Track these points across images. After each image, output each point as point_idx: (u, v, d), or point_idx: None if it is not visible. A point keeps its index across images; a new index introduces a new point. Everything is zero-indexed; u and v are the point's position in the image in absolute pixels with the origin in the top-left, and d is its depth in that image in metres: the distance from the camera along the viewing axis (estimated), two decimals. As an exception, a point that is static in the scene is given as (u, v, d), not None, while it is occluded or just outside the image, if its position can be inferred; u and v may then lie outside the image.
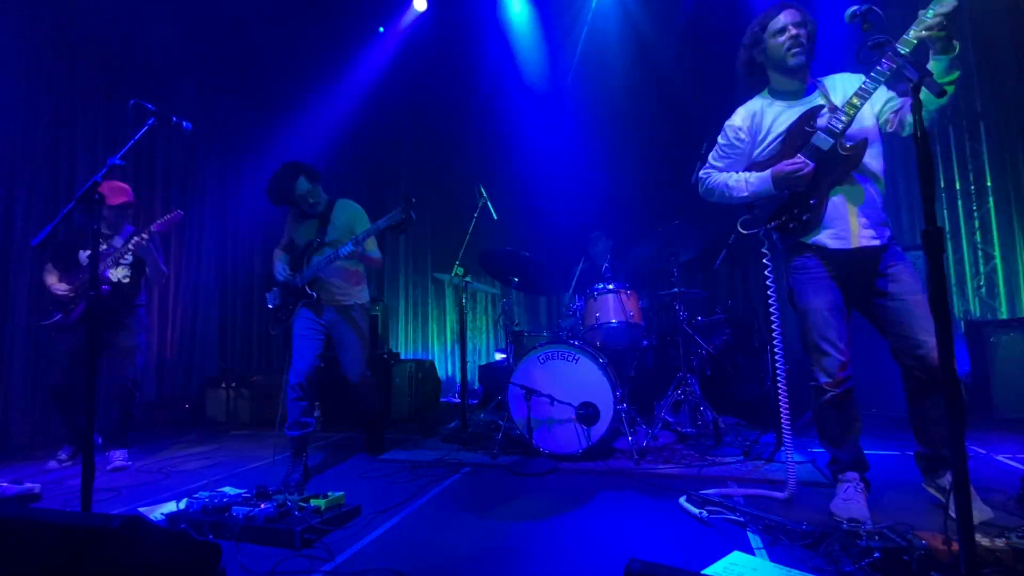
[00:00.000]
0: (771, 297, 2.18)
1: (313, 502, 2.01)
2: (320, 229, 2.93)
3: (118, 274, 3.11)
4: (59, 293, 3.07)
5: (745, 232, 2.10)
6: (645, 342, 3.37)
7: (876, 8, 1.57)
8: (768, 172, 2.01)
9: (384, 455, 3.14)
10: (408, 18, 5.83)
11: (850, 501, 1.93)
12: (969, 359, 3.87)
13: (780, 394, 2.09)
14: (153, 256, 3.17)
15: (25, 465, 3.07)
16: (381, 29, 6.06)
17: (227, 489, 2.37)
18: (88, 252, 3.10)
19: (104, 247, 3.11)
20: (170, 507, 2.14)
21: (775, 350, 2.12)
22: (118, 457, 3.06)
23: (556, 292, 4.08)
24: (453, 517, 2.08)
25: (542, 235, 5.67)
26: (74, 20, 4.24)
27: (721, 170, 2.20)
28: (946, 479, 1.94)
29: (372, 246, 2.91)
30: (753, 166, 2.12)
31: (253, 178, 5.94)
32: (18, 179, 3.86)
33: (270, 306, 2.96)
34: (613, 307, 3.23)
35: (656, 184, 5.14)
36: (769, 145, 2.07)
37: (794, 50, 1.98)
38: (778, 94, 2.10)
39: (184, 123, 2.14)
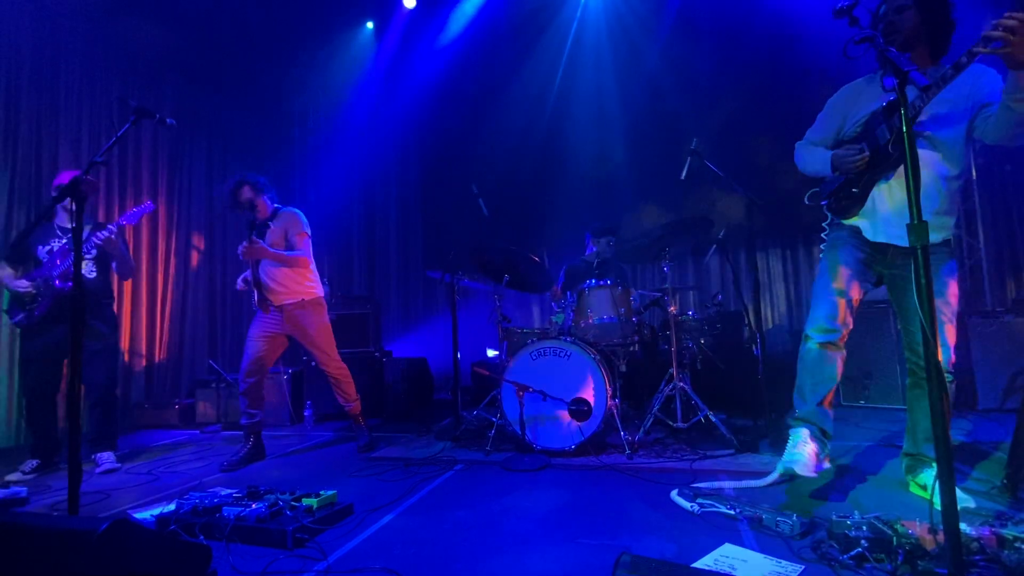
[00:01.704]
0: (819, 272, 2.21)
1: (305, 501, 1.99)
2: (260, 234, 3.13)
3: (83, 269, 3.00)
4: (20, 291, 2.91)
5: (809, 203, 2.23)
6: (637, 338, 3.38)
7: (863, 4, 1.57)
8: (830, 153, 2.06)
9: (376, 453, 3.14)
10: (401, 12, 5.79)
11: (793, 453, 1.98)
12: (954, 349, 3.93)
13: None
14: (120, 250, 3.05)
15: (5, 470, 3.01)
16: (370, 25, 6.02)
17: (218, 489, 2.35)
18: (47, 247, 2.97)
19: (63, 241, 2.98)
20: (161, 509, 2.12)
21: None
22: (106, 459, 3.01)
23: (547, 289, 4.08)
24: (446, 514, 2.08)
25: (533, 232, 5.67)
26: (57, 13, 4.17)
27: (813, 142, 2.24)
28: (928, 475, 1.98)
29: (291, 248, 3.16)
30: (837, 144, 2.14)
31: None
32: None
33: (255, 307, 3.21)
34: (605, 303, 3.24)
35: (647, 181, 5.15)
36: (855, 125, 2.07)
37: (890, 37, 1.91)
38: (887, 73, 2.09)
39: (168, 119, 2.11)
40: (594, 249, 3.58)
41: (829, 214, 2.18)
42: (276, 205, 3.28)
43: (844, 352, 2.08)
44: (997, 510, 1.78)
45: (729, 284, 5.43)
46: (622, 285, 3.30)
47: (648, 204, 5.01)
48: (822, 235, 2.22)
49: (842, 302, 2.04)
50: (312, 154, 6.66)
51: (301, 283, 3.20)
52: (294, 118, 6.53)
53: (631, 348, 3.48)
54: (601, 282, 3.28)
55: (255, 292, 3.14)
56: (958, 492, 1.85)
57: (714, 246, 3.82)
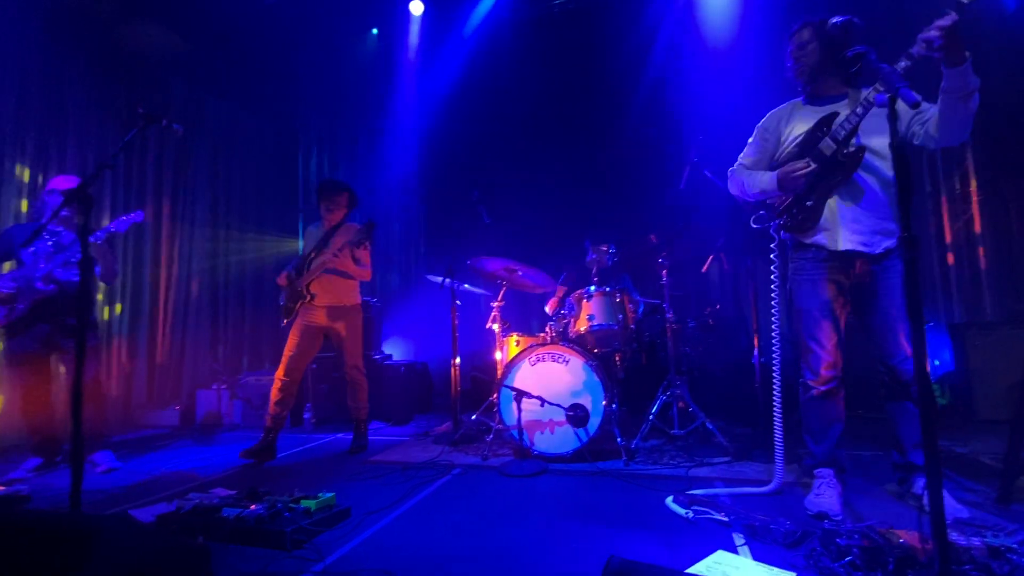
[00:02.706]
0: (774, 293, 2.22)
1: (304, 503, 2.02)
2: (324, 240, 3.37)
3: (67, 272, 3.01)
4: (2, 291, 2.92)
5: (756, 227, 2.22)
6: (635, 344, 3.41)
7: (856, 20, 1.62)
8: (775, 172, 2.11)
9: (375, 456, 3.16)
10: (407, 19, 5.85)
11: (821, 496, 2.00)
12: (953, 360, 3.94)
13: (775, 395, 2.13)
14: (106, 255, 3.07)
15: (8, 467, 3.03)
16: (375, 31, 6.07)
17: (218, 490, 2.38)
18: (32, 249, 2.99)
19: (50, 243, 3.02)
20: (162, 508, 2.14)
21: (773, 347, 2.17)
22: (105, 459, 3.03)
23: (547, 294, 4.10)
24: (443, 518, 2.10)
25: (536, 237, 5.69)
26: (65, 18, 4.23)
27: (747, 167, 2.29)
28: (919, 484, 2.00)
29: (356, 259, 3.35)
30: (774, 166, 2.20)
31: (243, 178, 5.94)
32: (6, 191, 3.83)
33: (281, 303, 3.41)
34: (604, 310, 3.26)
35: (647, 189, 5.18)
36: (789, 147, 2.14)
37: (796, 71, 2.12)
38: (811, 99, 2.16)
39: (175, 125, 2.15)
40: (593, 256, 3.61)
41: (781, 236, 2.17)
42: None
43: (843, 390, 2.10)
44: (990, 520, 1.79)
45: (728, 292, 5.45)
46: (621, 292, 3.33)
47: (647, 212, 5.04)
48: (771, 256, 2.18)
49: (832, 344, 2.05)
50: (316, 159, 6.71)
51: (351, 291, 3.43)
52: (297, 122, 6.59)
53: (629, 355, 3.50)
54: (600, 288, 3.30)
55: (287, 289, 3.31)
56: (952, 502, 1.88)
57: (712, 254, 3.84)
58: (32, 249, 3.00)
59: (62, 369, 3.62)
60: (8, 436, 3.72)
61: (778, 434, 2.16)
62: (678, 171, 3.30)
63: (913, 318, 1.23)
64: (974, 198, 4.73)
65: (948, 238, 4.84)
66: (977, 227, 4.72)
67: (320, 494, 2.09)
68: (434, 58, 5.94)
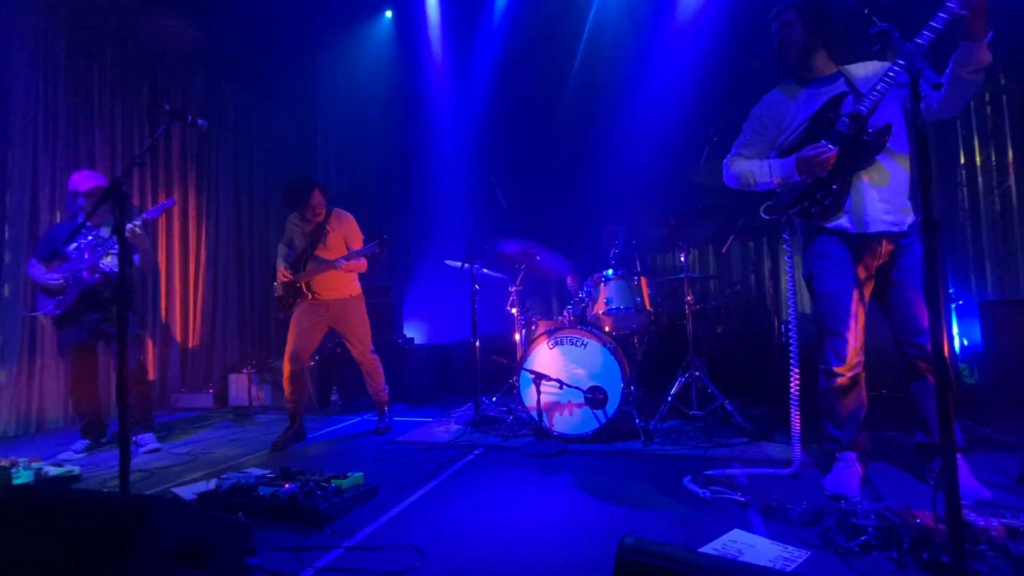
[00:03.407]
0: (789, 282, 2.21)
1: (334, 482, 2.11)
2: (316, 236, 3.30)
3: (108, 263, 3.15)
4: (51, 284, 3.09)
5: (768, 217, 2.14)
6: (654, 327, 3.42)
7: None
8: (792, 158, 2.04)
9: (400, 437, 3.26)
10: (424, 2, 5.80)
11: (840, 478, 2.01)
12: (983, 339, 3.85)
13: (792, 376, 2.14)
14: (143, 242, 3.18)
15: (60, 448, 3.24)
16: (389, 14, 6.04)
17: (252, 469, 2.50)
18: (75, 245, 3.13)
19: (90, 238, 3.15)
20: (201, 487, 2.27)
21: (790, 332, 2.16)
22: (148, 440, 3.21)
23: (564, 279, 4.13)
24: (467, 497, 2.18)
25: (553, 221, 5.69)
26: (91, 11, 4.32)
27: (747, 157, 2.24)
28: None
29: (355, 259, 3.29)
30: (779, 153, 2.15)
31: (265, 165, 6.05)
32: (40, 179, 3.99)
33: (276, 295, 3.40)
34: (621, 293, 3.27)
35: (666, 169, 5.12)
36: (794, 132, 2.09)
37: (782, 51, 2.08)
38: (802, 81, 2.12)
39: (200, 121, 2.21)
40: (607, 240, 3.62)
41: (798, 223, 2.13)
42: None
43: (864, 373, 2.08)
44: (1011, 501, 1.79)
45: (749, 272, 5.39)
46: (639, 275, 3.33)
47: (666, 193, 4.98)
48: (783, 246, 2.18)
49: (855, 331, 2.01)
50: (334, 144, 6.77)
51: (350, 282, 3.40)
52: (315, 108, 6.64)
53: (648, 337, 3.52)
54: (617, 272, 3.31)
55: (309, 293, 3.26)
56: (975, 483, 1.88)
57: (733, 235, 3.80)
58: (75, 244, 3.16)
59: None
60: (59, 418, 3.96)
61: (794, 416, 2.17)
62: (696, 151, 3.25)
63: (930, 303, 1.23)
64: (1011, 169, 4.55)
65: (982, 211, 4.68)
66: (1015, 199, 4.55)
67: (349, 474, 2.19)
68: (449, 41, 5.89)
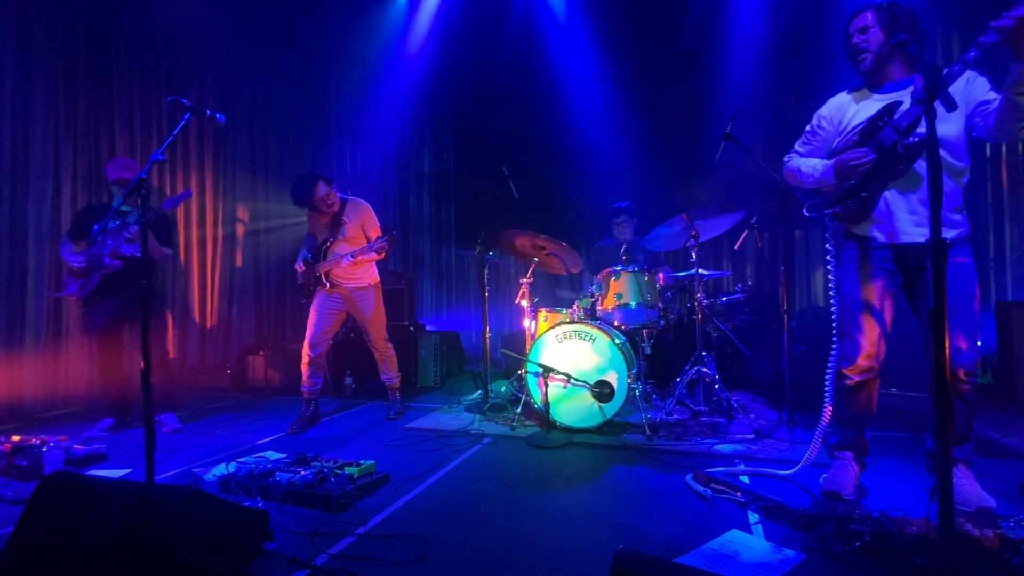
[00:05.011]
0: (831, 281, 2.21)
1: (347, 469, 2.20)
2: (334, 227, 3.38)
3: (129, 249, 3.24)
4: (75, 266, 3.18)
5: (809, 216, 2.18)
6: (663, 322, 3.44)
7: (900, 2, 1.53)
8: (832, 161, 2.06)
9: (411, 423, 3.35)
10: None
11: (836, 476, 2.06)
12: (996, 340, 3.82)
13: (827, 383, 2.13)
14: (164, 229, 3.28)
15: (85, 426, 3.38)
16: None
17: (269, 454, 2.61)
18: (101, 229, 3.19)
19: (116, 223, 3.24)
20: (220, 469, 2.38)
21: (832, 332, 2.15)
22: (170, 420, 3.34)
23: (575, 271, 4.15)
24: (474, 486, 2.26)
25: (563, 213, 5.69)
26: (105, 2, 4.35)
27: (803, 155, 2.26)
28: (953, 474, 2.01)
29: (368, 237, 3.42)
30: (831, 155, 2.14)
31: (280, 148, 6.09)
32: (62, 162, 4.08)
33: (299, 281, 3.51)
34: (630, 287, 3.29)
35: (680, 165, 5.08)
36: (848, 135, 2.08)
37: (857, 57, 2.03)
38: (873, 85, 2.09)
39: (218, 115, 2.25)
40: (627, 234, 3.63)
41: (833, 224, 2.14)
42: (341, 195, 3.41)
43: (878, 382, 2.09)
44: (1012, 511, 1.81)
45: (763, 269, 5.36)
46: (648, 269, 3.34)
47: (680, 189, 4.95)
48: (826, 246, 2.18)
49: (874, 336, 2.01)
50: (349, 128, 6.78)
51: (368, 270, 3.49)
52: (330, 91, 6.64)
53: (657, 331, 3.54)
54: (627, 267, 3.32)
55: (327, 282, 3.35)
56: (979, 491, 1.90)
57: (746, 231, 3.78)
58: (101, 229, 3.25)
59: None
60: (84, 398, 4.12)
61: (825, 414, 2.16)
62: (713, 147, 3.22)
63: (935, 325, 1.25)
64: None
65: (1005, 209, 4.58)
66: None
67: (362, 461, 2.28)
68: (460, 24, 5.82)
